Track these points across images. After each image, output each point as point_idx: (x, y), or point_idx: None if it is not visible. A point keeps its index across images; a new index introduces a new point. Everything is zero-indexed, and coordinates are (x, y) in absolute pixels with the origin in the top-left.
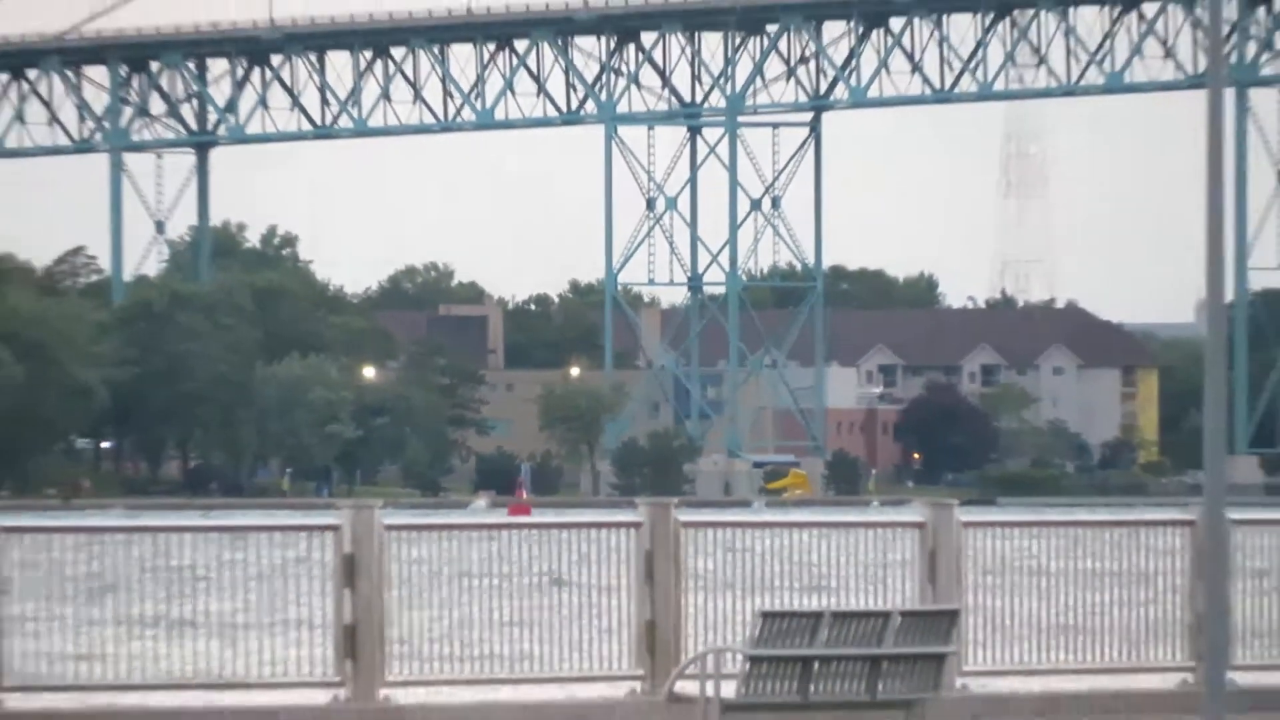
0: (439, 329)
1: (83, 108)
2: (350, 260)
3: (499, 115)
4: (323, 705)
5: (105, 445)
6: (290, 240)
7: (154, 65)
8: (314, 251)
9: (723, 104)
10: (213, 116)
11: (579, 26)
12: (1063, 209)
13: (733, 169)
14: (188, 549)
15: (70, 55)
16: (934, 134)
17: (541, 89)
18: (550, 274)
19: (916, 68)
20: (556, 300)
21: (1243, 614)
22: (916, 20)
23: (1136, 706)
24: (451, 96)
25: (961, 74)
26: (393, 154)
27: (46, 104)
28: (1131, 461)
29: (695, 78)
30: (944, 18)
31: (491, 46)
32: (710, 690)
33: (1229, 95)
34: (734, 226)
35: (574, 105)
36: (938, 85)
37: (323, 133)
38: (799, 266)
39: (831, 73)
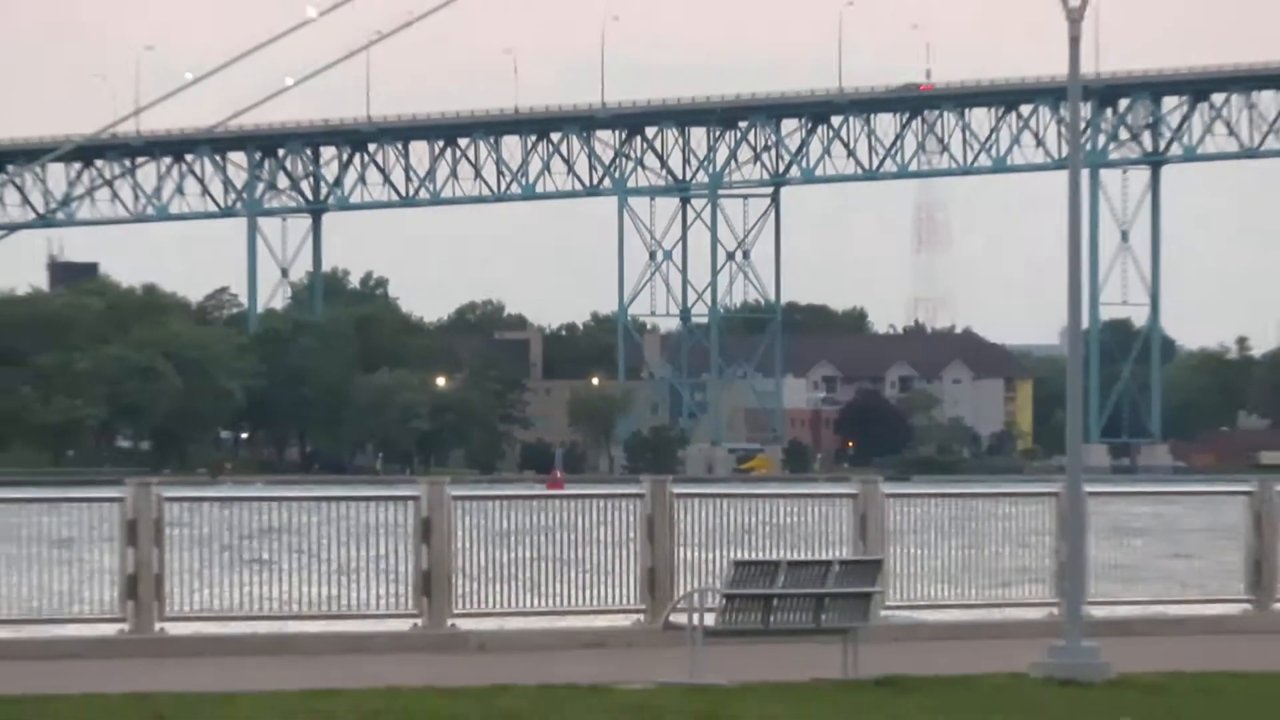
0: (493, 349)
1: (227, 183)
2: (426, 297)
3: (539, 189)
4: (405, 631)
5: (243, 436)
6: (382, 282)
7: (280, 151)
8: (399, 290)
9: (706, 180)
10: (324, 189)
11: (599, 123)
12: (960, 258)
13: (714, 229)
14: (303, 513)
15: (218, 143)
16: (865, 202)
17: (570, 169)
18: (576, 307)
19: (851, 154)
20: (581, 327)
21: (1094, 562)
22: (851, 118)
23: (1014, 633)
24: (503, 174)
25: (885, 158)
26: (459, 217)
27: (200, 180)
28: (1012, 449)
29: (685, 161)
30: (872, 116)
31: (533, 137)
32: (696, 621)
33: (1085, 175)
34: (714, 272)
35: (595, 181)
36: (867, 167)
37: (406, 202)
38: (763, 302)
39: (788, 157)
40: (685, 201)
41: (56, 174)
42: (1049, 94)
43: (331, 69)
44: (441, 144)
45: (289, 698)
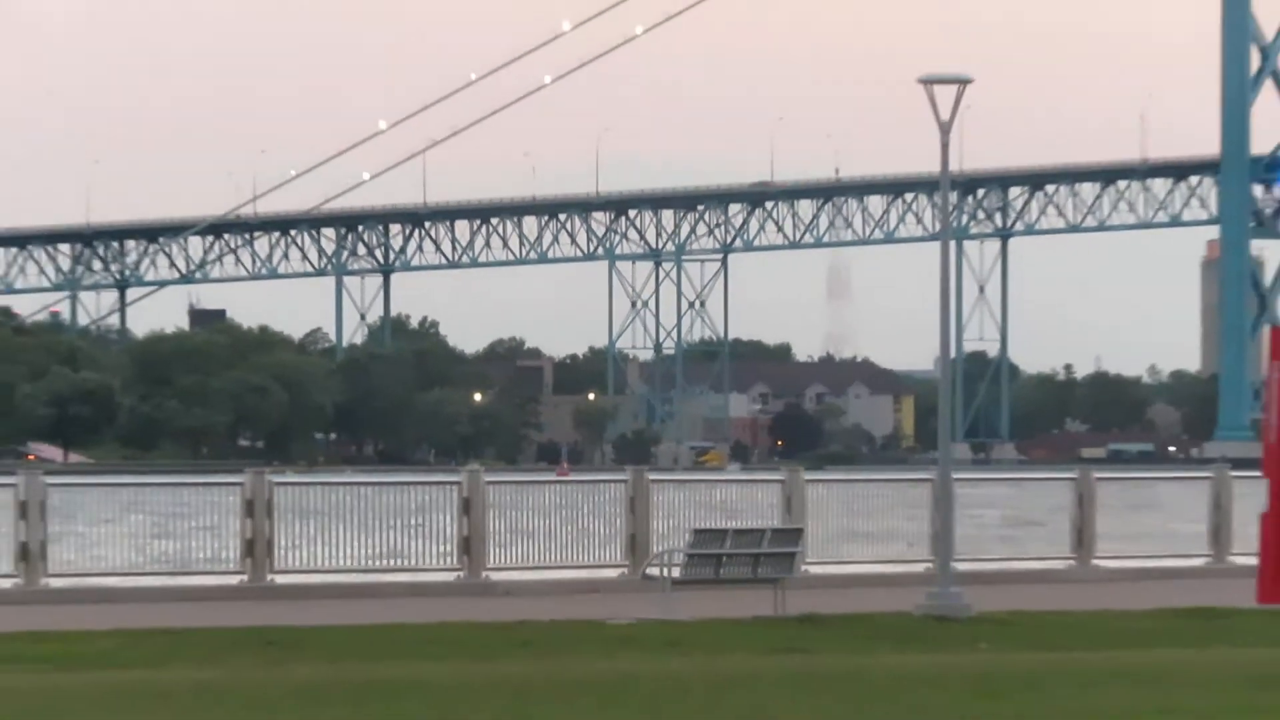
0: (516, 373)
1: (320, 251)
2: (467, 335)
3: (550, 255)
4: (450, 581)
5: (331, 437)
6: (434, 324)
7: (360, 228)
8: (447, 330)
9: (673, 249)
10: (392, 256)
11: (594, 206)
12: (860, 306)
13: (679, 285)
14: (377, 494)
15: (313, 222)
16: (790, 265)
17: (573, 240)
18: (578, 343)
19: (780, 229)
20: (581, 357)
21: (959, 530)
22: (780, 203)
23: (900, 583)
24: (523, 245)
25: (805, 232)
26: (491, 276)
27: (300, 249)
28: (898, 447)
29: (658, 235)
30: (795, 201)
31: (546, 218)
32: (666, 573)
33: (953, 245)
34: (679, 316)
35: (591, 250)
36: (792, 239)
37: (452, 265)
38: (715, 338)
39: (734, 232)
40: (657, 264)
41: (195, 244)
42: (926, 185)
43: (397, 167)
44: (478, 222)
45: (365, 630)
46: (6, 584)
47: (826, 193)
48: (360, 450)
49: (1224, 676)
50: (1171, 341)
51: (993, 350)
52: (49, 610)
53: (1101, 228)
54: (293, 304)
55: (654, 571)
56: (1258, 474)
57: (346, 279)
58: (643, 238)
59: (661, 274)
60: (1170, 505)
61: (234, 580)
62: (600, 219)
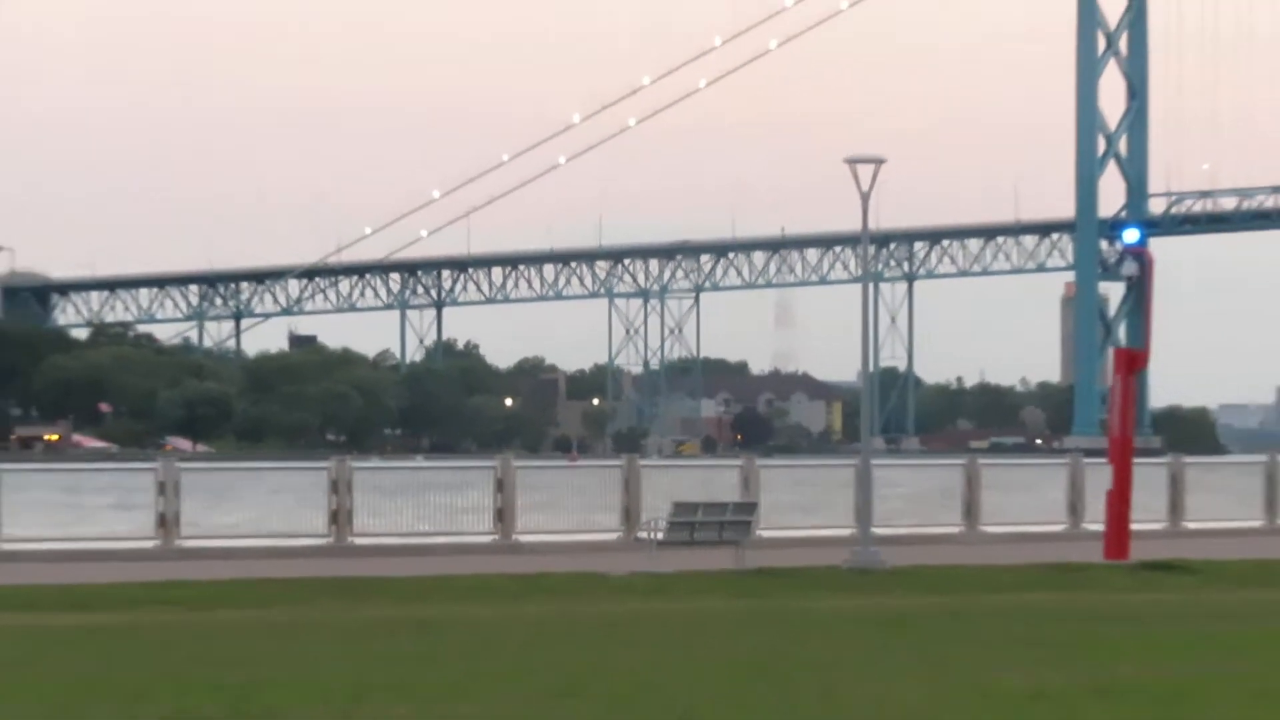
0: (537, 384)
1: (389, 290)
2: (500, 354)
3: (564, 293)
4: (488, 542)
5: (397, 432)
6: (476, 345)
7: (419, 272)
8: (486, 350)
9: (657, 289)
10: (444, 294)
11: (598, 256)
12: (801, 332)
13: (662, 317)
14: (433, 475)
15: (384, 268)
16: (748, 302)
17: (581, 282)
18: (585, 360)
19: (740, 274)
20: (588, 371)
21: (876, 502)
22: (738, 254)
23: (832, 544)
24: (543, 285)
25: (759, 276)
26: (518, 310)
27: (374, 289)
28: (830, 440)
29: (647, 278)
30: (751, 253)
31: (560, 265)
32: (652, 536)
33: (872, 286)
34: (662, 340)
35: (595, 289)
36: (749, 281)
37: (489, 301)
38: (690, 356)
39: (704, 275)
40: (645, 301)
41: (294, 285)
42: (851, 239)
43: (448, 226)
44: (509, 268)
45: (424, 579)
46: (149, 544)
47: (774, 246)
48: (419, 442)
49: (1079, 613)
50: (1038, 360)
51: (901, 366)
52: (181, 565)
53: (984, 273)
54: (367, 331)
55: (643, 535)
56: (1104, 461)
57: (409, 312)
58: (635, 280)
59: (649, 308)
60: (1037, 485)
61: (322, 541)
62: (602, 266)
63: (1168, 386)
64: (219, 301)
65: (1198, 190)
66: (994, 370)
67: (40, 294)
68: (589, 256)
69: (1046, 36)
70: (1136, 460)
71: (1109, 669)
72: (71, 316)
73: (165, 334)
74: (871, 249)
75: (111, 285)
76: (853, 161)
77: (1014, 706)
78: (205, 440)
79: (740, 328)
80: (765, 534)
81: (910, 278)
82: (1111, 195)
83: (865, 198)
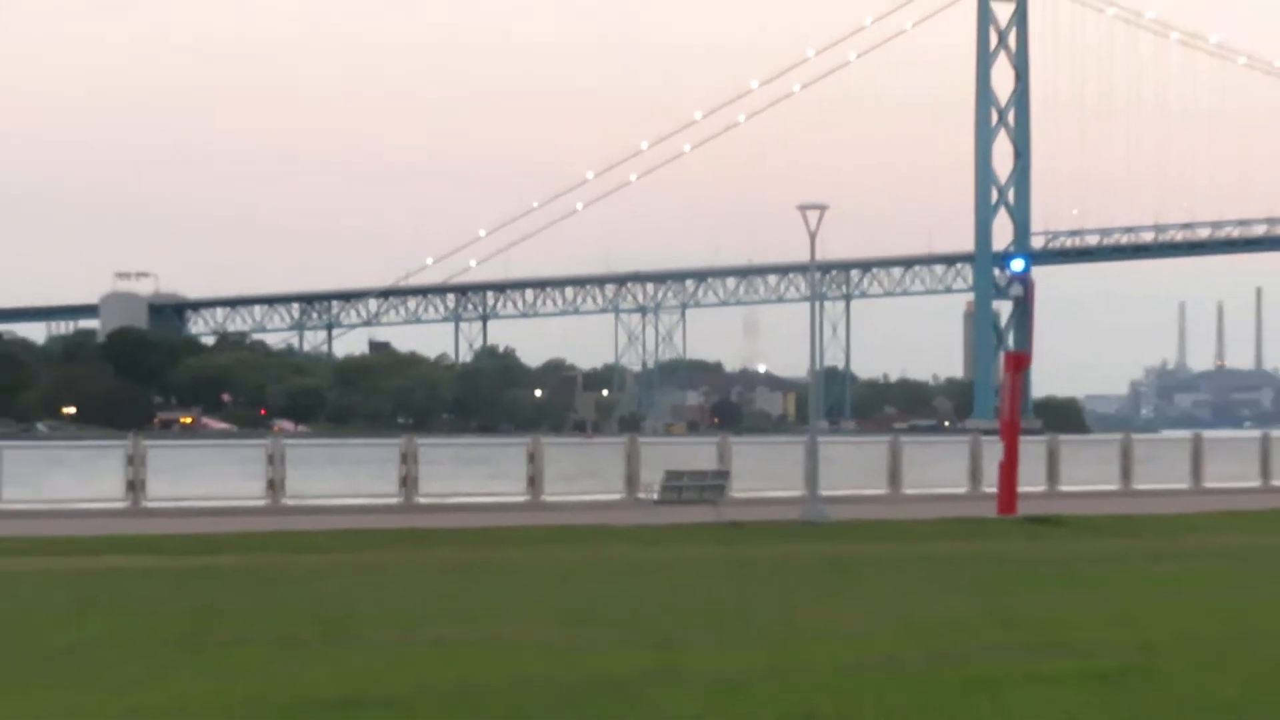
0: (560, 380)
1: (445, 306)
2: (532, 356)
3: (580, 310)
4: (521, 502)
5: (451, 417)
6: (513, 349)
7: (469, 294)
8: (522, 353)
9: (653, 305)
10: (488, 309)
11: (606, 281)
12: (764, 340)
13: (656, 328)
14: (479, 449)
15: (442, 290)
16: (723, 317)
17: (594, 300)
18: (598, 361)
19: (715, 294)
20: (599, 369)
21: (821, 470)
22: (716, 279)
23: (788, 503)
24: (565, 304)
25: (732, 294)
26: (543, 322)
27: (435, 306)
28: (786, 423)
29: (645, 297)
30: (725, 279)
31: (578, 287)
32: (650, 496)
33: (819, 305)
34: (657, 345)
35: (603, 305)
36: (724, 299)
37: (523, 315)
38: (679, 357)
39: (689, 294)
40: (644, 315)
41: (372, 303)
42: (801, 268)
43: (491, 258)
44: (539, 290)
45: (473, 530)
46: (260, 503)
47: (743, 272)
48: (468, 425)
49: (980, 557)
50: (946, 360)
51: (841, 365)
52: (286, 519)
53: (905, 293)
54: (429, 339)
55: (643, 495)
56: (997, 438)
57: (461, 324)
58: (635, 299)
59: (646, 321)
60: (946, 457)
61: (395, 500)
62: (610, 289)
63: (1045, 380)
64: (315, 315)
65: (1069, 230)
66: (912, 368)
67: (178, 310)
68: (600, 280)
69: (955, 107)
70: (1022, 438)
71: (1005, 601)
72: (201, 328)
73: (274, 341)
74: (818, 275)
75: (233, 303)
76: (803, 208)
77: (932, 630)
78: (304, 423)
79: (716, 336)
80: (736, 495)
81: (848, 297)
82: (1002, 233)
83: (813, 235)
